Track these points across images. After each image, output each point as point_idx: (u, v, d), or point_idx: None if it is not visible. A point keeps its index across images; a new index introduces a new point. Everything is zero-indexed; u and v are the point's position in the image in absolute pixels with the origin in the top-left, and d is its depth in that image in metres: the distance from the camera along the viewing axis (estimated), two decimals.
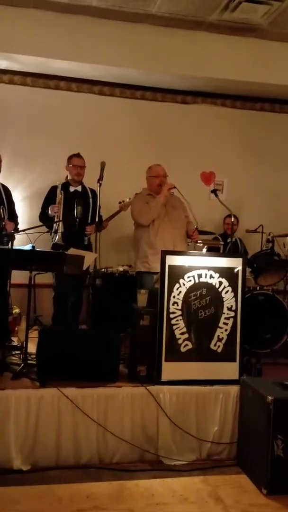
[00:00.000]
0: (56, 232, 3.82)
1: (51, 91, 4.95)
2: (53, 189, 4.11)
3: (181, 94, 5.24)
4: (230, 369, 2.98)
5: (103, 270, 4.25)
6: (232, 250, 4.11)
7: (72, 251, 3.44)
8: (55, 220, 3.87)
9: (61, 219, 3.84)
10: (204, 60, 4.63)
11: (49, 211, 3.93)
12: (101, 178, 3.72)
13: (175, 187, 3.63)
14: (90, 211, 4.08)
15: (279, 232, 4.47)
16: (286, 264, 4.08)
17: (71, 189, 4.12)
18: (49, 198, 4.08)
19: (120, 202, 4.43)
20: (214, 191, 3.81)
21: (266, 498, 2.44)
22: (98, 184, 3.74)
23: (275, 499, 2.42)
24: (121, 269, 4.34)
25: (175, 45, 4.57)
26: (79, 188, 4.15)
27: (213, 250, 3.67)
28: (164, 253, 2.95)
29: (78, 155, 4.13)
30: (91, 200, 4.11)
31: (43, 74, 4.85)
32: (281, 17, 4.27)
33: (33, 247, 2.98)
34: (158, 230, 3.65)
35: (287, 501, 2.40)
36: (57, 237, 3.80)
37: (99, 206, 3.88)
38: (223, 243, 4.08)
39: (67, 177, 4.18)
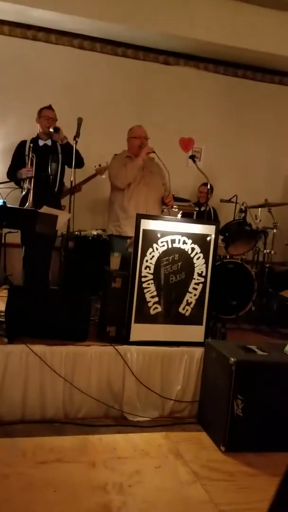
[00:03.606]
0: (28, 193, 3.66)
1: (28, 41, 4.73)
2: (21, 144, 3.87)
3: (163, 54, 5.12)
4: (197, 332, 3.06)
5: (76, 233, 4.20)
6: (205, 219, 4.14)
7: (45, 209, 3.37)
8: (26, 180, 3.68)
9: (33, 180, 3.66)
10: (189, 21, 4.51)
11: (22, 175, 3.70)
12: (77, 135, 3.55)
13: (154, 152, 3.57)
14: (60, 167, 3.88)
15: (253, 203, 4.53)
16: (257, 235, 4.16)
17: (40, 142, 3.88)
18: (18, 154, 3.87)
19: (95, 166, 4.33)
20: (192, 157, 3.77)
21: (223, 454, 2.57)
22: (74, 141, 3.61)
23: (232, 456, 2.56)
24: (94, 232, 4.31)
25: (160, 2, 4.42)
26: (48, 142, 3.90)
27: (188, 216, 3.69)
28: (139, 217, 2.94)
29: (49, 107, 3.90)
30: (60, 155, 3.88)
31: (22, 23, 4.62)
32: None
33: (4, 203, 2.90)
34: (132, 194, 3.60)
35: (243, 458, 2.53)
36: (27, 203, 3.61)
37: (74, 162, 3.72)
38: (198, 209, 4.09)
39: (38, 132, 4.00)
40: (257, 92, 5.42)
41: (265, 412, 2.63)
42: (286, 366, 2.71)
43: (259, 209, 4.55)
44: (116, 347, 2.86)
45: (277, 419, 2.65)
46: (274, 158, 5.44)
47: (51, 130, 3.74)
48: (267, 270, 4.46)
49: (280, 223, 4.59)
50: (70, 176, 3.53)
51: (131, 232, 3.17)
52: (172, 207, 3.63)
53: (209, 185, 3.82)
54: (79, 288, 3.64)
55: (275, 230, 4.56)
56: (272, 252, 4.59)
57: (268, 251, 4.57)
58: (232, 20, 4.61)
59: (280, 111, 5.46)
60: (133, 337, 2.93)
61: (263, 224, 4.57)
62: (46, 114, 3.88)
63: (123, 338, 2.94)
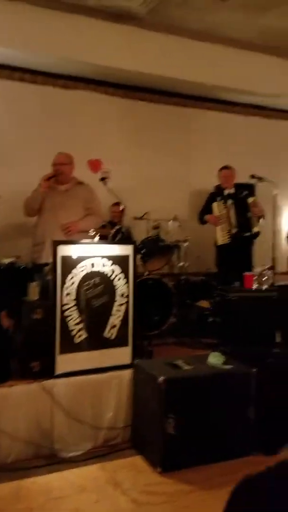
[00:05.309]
0: None
1: None
2: None
3: (62, 79, 5.08)
4: (123, 354, 3.04)
5: None
6: (119, 238, 4.17)
7: None
8: None
9: None
10: (84, 45, 4.54)
11: None
12: None
13: (54, 176, 3.54)
14: None
15: (164, 218, 4.67)
16: (171, 249, 4.29)
17: None
18: None
19: None
20: (103, 179, 3.78)
21: (160, 476, 2.56)
22: None
23: (169, 475, 2.55)
24: (6, 261, 4.09)
25: (54, 27, 4.39)
26: None
27: (104, 238, 3.67)
28: (56, 243, 2.86)
29: None
30: None
31: None
32: (160, 6, 4.36)
33: None
34: (44, 221, 3.55)
35: (180, 476, 2.54)
36: None
37: None
38: (114, 230, 4.10)
39: None
40: (157, 114, 5.59)
41: (196, 427, 2.68)
42: (211, 377, 2.78)
43: (169, 222, 4.71)
44: (41, 382, 2.73)
45: (208, 431, 2.70)
46: (179, 176, 5.66)
47: None
48: (183, 282, 4.62)
49: (190, 236, 4.80)
50: None
51: (47, 259, 3.07)
52: (69, 235, 3.43)
53: (121, 206, 3.86)
54: None
55: (186, 243, 4.76)
56: (186, 264, 4.77)
57: (182, 263, 4.74)
58: (129, 44, 4.73)
59: (180, 131, 5.71)
60: (59, 369, 2.82)
61: (175, 239, 4.73)
62: None
63: (48, 372, 2.81)
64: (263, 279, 3.61)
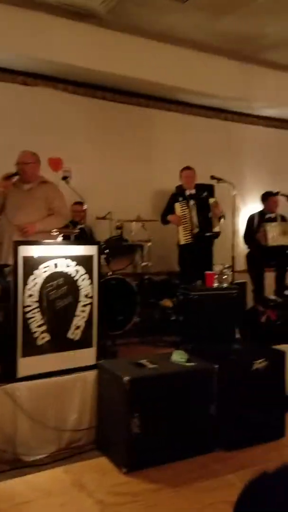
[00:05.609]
0: None
1: None
2: None
3: (21, 75, 4.99)
4: (88, 355, 3.01)
5: None
6: (80, 237, 4.14)
7: None
8: None
9: None
10: (43, 43, 4.48)
11: None
12: None
13: (15, 174, 3.43)
14: None
15: (127, 219, 4.67)
16: (134, 249, 4.31)
17: None
18: None
19: None
20: (65, 178, 3.74)
21: (126, 476, 2.55)
22: None
23: (135, 475, 2.55)
24: None
25: (13, 24, 4.32)
26: None
27: (67, 238, 3.62)
28: (17, 244, 2.80)
29: None
30: None
31: None
32: (120, 6, 4.36)
33: None
34: (3, 221, 3.42)
35: (145, 475, 2.54)
36: None
37: None
38: (78, 230, 4.06)
39: None
40: (119, 114, 5.60)
41: (161, 425, 2.69)
42: (175, 375, 2.81)
43: (133, 223, 4.73)
44: (3, 386, 2.66)
45: (172, 428, 2.72)
46: (142, 175, 5.68)
47: None
48: (146, 282, 4.64)
49: (152, 236, 4.83)
50: None
51: (6, 260, 2.99)
52: (25, 237, 3.31)
53: (85, 205, 3.82)
54: None
55: (149, 243, 4.79)
56: (149, 264, 4.81)
57: (145, 263, 4.77)
58: (88, 43, 4.71)
59: (142, 131, 5.73)
60: (21, 372, 2.76)
61: (138, 238, 4.75)
62: None
63: (10, 375, 2.74)
64: (223, 277, 3.69)
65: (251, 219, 5.15)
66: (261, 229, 4.83)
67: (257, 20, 4.65)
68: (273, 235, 4.74)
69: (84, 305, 3.01)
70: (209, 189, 5.00)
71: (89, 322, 3.02)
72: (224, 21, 4.69)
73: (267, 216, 5.11)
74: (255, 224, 5.03)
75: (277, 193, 5.04)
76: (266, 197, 5.14)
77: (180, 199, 4.71)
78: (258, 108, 6.27)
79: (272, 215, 5.11)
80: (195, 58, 5.31)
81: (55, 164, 4.99)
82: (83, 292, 3.00)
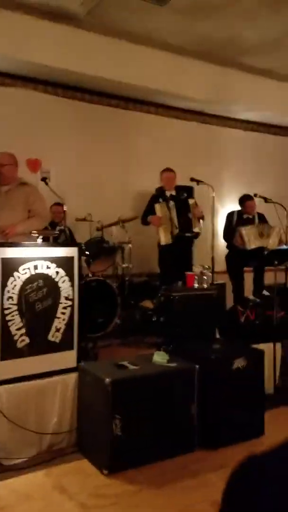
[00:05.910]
0: None
1: None
2: None
3: (0, 76, 4.94)
4: (68, 358, 2.99)
5: None
6: (62, 239, 4.11)
7: None
8: None
9: None
10: (21, 43, 4.44)
11: None
12: None
13: None
14: None
15: (107, 220, 4.66)
16: (115, 251, 4.30)
17: None
18: None
19: None
20: (44, 179, 3.71)
21: (107, 478, 2.54)
22: None
23: (116, 477, 2.54)
24: None
25: None
26: None
27: (46, 240, 3.58)
28: None
29: None
30: None
31: None
32: (99, 7, 4.35)
33: None
34: None
35: (127, 476, 2.54)
36: None
37: None
38: (58, 232, 4.04)
39: None
40: (98, 115, 5.58)
41: (142, 426, 2.69)
42: (157, 376, 2.82)
43: (114, 226, 4.72)
44: None
45: (154, 429, 2.73)
46: (122, 177, 5.68)
47: None
48: (127, 283, 4.64)
49: (133, 237, 4.83)
50: None
51: None
52: (6, 239, 3.28)
53: (65, 206, 3.80)
54: None
55: (130, 245, 4.79)
56: (130, 265, 4.80)
57: (126, 265, 4.76)
58: (67, 44, 4.68)
59: (122, 133, 5.73)
60: (1, 375, 2.72)
61: (118, 240, 4.75)
62: None
63: None
64: (204, 278, 3.72)
65: (230, 215, 5.25)
66: (237, 233, 4.90)
67: (235, 24, 4.71)
68: (249, 238, 4.81)
69: (65, 307, 2.99)
70: (189, 191, 5.04)
71: (69, 324, 3.00)
72: (202, 25, 4.73)
73: (245, 216, 5.19)
74: (233, 223, 5.12)
75: (254, 196, 5.12)
76: (244, 201, 5.23)
77: (160, 200, 4.73)
78: (237, 111, 6.35)
79: (250, 216, 5.19)
80: (173, 61, 5.34)
81: (33, 165, 4.95)
82: (63, 294, 2.98)
